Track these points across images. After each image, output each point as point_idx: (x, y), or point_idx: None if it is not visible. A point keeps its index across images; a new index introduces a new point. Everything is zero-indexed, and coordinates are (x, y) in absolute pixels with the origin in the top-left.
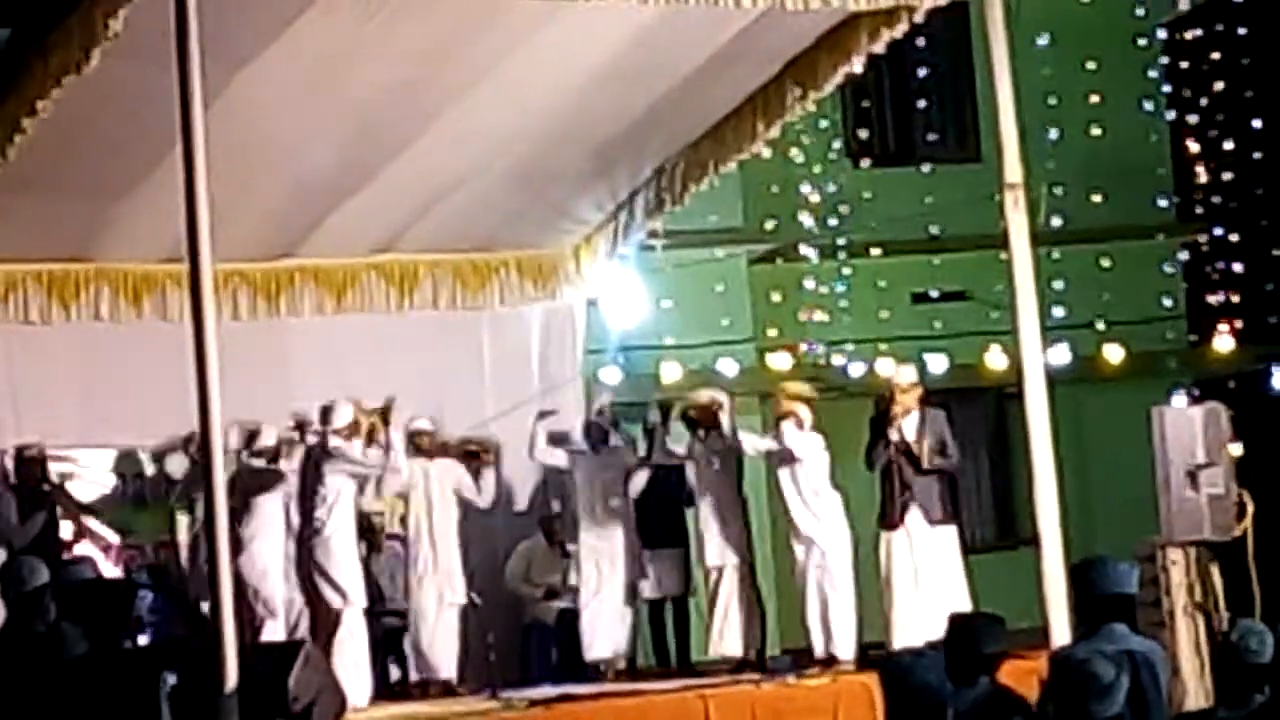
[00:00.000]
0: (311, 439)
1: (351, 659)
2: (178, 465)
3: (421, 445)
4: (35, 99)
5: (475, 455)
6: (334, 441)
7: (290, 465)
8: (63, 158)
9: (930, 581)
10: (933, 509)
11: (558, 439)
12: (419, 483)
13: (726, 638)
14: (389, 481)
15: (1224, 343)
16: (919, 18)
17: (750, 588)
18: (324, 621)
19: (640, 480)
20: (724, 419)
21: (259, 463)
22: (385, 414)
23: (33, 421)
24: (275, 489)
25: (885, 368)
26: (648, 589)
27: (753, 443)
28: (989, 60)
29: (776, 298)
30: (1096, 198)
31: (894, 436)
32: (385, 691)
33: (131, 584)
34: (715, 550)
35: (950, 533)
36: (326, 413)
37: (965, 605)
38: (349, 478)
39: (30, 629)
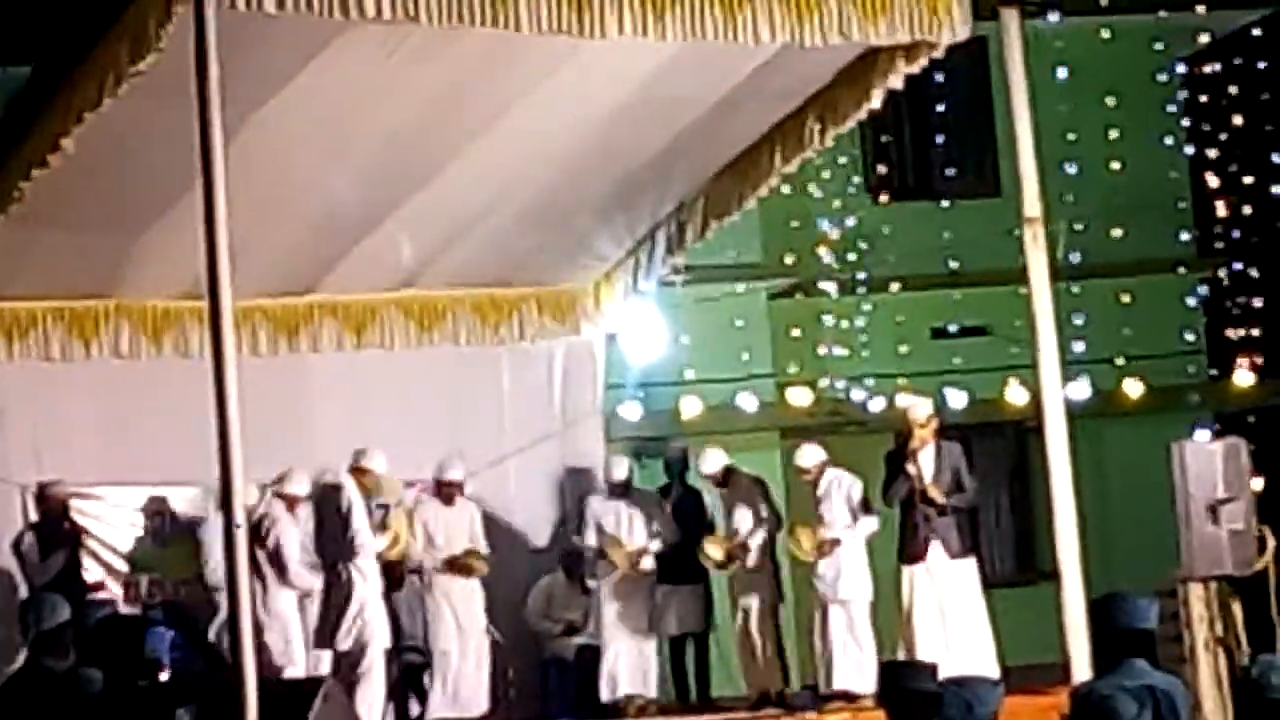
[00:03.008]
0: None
1: (370, 699)
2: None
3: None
4: (58, 135)
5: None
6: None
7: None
8: (83, 194)
9: (954, 615)
10: (952, 542)
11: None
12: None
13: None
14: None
15: (1244, 377)
16: (938, 54)
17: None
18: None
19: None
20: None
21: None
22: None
23: (53, 458)
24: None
25: (905, 402)
26: (668, 626)
27: None
28: (1008, 95)
29: (796, 333)
30: (1116, 232)
31: (912, 470)
32: None
33: (147, 621)
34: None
35: (970, 565)
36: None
37: (987, 638)
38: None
39: (49, 667)
